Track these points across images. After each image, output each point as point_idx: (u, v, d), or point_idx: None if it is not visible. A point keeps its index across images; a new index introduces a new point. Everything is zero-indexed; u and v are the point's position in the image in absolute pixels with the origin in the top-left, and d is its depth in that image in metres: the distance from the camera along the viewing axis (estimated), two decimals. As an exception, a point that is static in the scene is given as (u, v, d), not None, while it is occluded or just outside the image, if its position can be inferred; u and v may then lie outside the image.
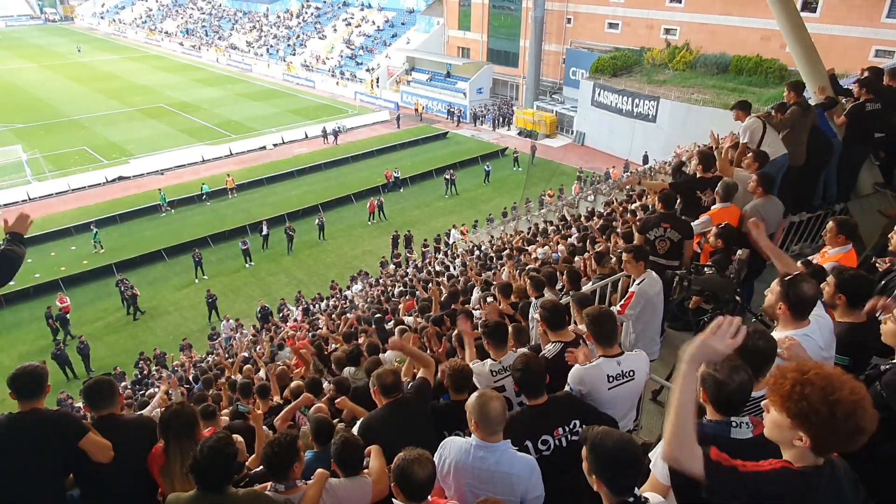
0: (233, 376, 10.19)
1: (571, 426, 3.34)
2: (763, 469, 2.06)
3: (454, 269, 17.14)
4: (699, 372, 2.45)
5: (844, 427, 1.88)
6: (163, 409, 3.82)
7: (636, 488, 2.31)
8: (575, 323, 5.07)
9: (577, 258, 9.45)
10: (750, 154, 6.57)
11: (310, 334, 13.24)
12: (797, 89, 7.17)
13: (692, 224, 6.02)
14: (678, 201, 6.28)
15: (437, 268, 18.19)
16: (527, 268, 9.33)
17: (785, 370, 2.04)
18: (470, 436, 3.16)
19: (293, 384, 6.29)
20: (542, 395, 3.40)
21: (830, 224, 4.84)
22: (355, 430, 4.01)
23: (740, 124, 7.23)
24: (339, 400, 4.66)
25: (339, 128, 39.85)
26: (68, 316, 20.08)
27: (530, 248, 13.66)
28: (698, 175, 6.81)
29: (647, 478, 2.63)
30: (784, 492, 2.01)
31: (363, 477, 3.37)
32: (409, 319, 9.91)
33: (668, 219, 5.79)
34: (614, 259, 6.76)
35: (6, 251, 3.51)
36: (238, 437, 4.31)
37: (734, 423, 2.51)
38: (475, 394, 3.11)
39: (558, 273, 7.48)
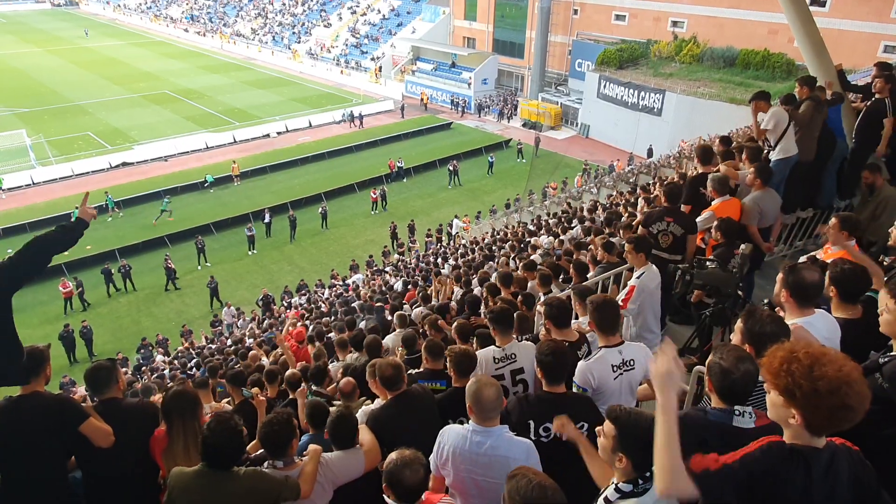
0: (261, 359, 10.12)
1: (578, 426, 3.29)
2: (749, 451, 2.10)
3: (454, 260, 17.13)
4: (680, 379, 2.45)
5: (828, 403, 1.90)
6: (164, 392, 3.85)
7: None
8: (576, 316, 5.08)
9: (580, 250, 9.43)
10: (745, 153, 6.56)
11: (310, 324, 13.27)
12: (810, 84, 7.10)
13: (696, 220, 6.01)
14: (682, 196, 6.26)
15: (439, 259, 18.19)
16: (531, 258, 9.31)
17: (776, 349, 2.07)
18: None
19: (288, 373, 6.30)
20: (562, 384, 3.39)
21: (833, 220, 4.80)
22: (362, 418, 4.04)
23: (761, 115, 7.12)
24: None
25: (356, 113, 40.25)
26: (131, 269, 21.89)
27: (533, 240, 13.64)
28: (700, 171, 6.79)
29: None
30: (772, 463, 2.04)
31: (356, 449, 3.46)
32: (409, 309, 9.93)
33: (671, 213, 5.78)
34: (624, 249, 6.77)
35: (44, 235, 3.45)
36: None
37: (737, 412, 2.53)
38: (472, 379, 3.14)
39: (567, 260, 7.48)
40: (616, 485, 2.37)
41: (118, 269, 21.83)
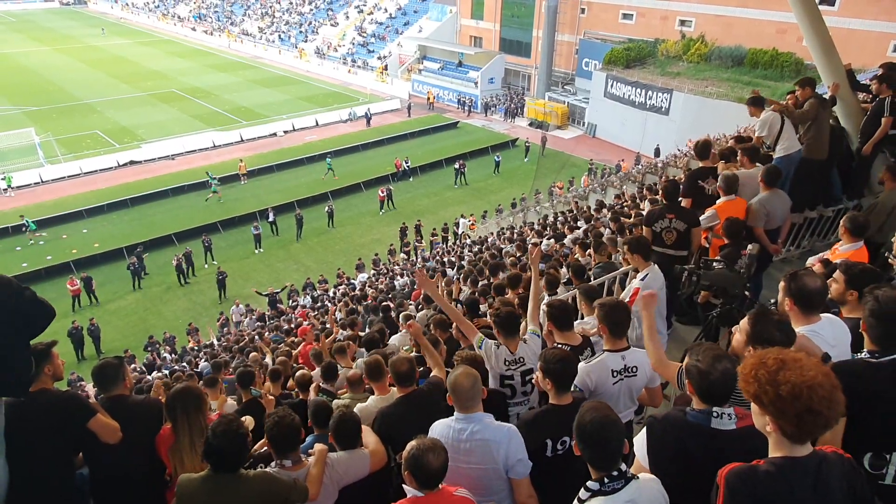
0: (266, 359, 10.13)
1: None
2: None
3: (458, 260, 17.13)
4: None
5: (793, 407, 1.90)
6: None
7: (620, 464, 2.38)
8: (582, 316, 5.06)
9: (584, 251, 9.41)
10: (741, 153, 6.55)
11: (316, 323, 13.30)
12: (812, 84, 7.10)
13: (698, 215, 5.99)
14: (681, 191, 6.27)
15: (445, 259, 18.20)
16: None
17: (750, 355, 2.09)
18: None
19: (298, 373, 6.29)
20: (569, 393, 3.37)
21: (843, 220, 4.82)
22: (362, 413, 4.05)
23: (756, 119, 7.16)
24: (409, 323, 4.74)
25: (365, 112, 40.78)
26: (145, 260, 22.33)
27: (538, 241, 13.62)
28: (700, 164, 6.81)
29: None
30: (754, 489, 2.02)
31: (361, 450, 3.48)
32: (414, 309, 9.93)
33: (672, 209, 5.78)
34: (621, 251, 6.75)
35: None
36: (248, 418, 4.37)
37: (715, 414, 2.51)
38: (454, 369, 3.21)
39: (564, 266, 7.48)
40: (586, 483, 2.41)
41: (127, 268, 21.95)
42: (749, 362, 2.04)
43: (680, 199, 6.09)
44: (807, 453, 2.02)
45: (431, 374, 4.23)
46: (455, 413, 3.17)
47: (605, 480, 2.35)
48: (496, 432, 3.08)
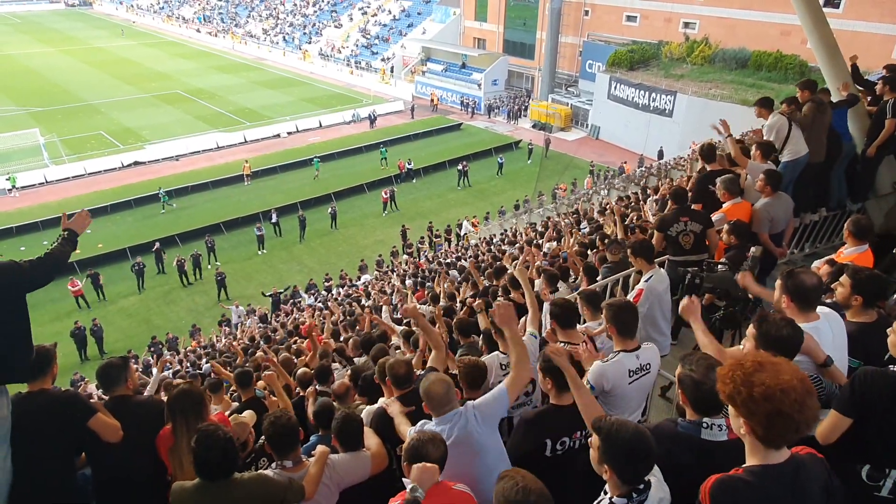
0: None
1: (586, 434, 3.27)
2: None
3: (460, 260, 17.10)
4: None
5: (763, 409, 1.91)
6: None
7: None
8: (583, 320, 5.06)
9: (588, 253, 9.40)
10: (756, 149, 6.52)
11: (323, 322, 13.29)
12: (811, 87, 7.07)
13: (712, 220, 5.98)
14: (690, 195, 6.25)
15: (448, 260, 18.18)
16: (536, 263, 9.29)
17: (731, 358, 2.10)
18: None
19: (300, 371, 6.29)
20: (569, 393, 3.33)
21: (847, 223, 4.81)
22: (367, 418, 4.04)
23: (763, 121, 7.12)
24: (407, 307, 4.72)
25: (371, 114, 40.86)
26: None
27: (541, 242, 13.61)
28: (709, 169, 6.79)
29: None
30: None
31: (362, 452, 3.47)
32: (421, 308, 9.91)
33: (685, 212, 5.76)
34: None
35: (55, 251, 3.48)
36: (249, 412, 4.36)
37: (706, 425, 2.49)
38: (426, 378, 3.24)
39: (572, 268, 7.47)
40: (610, 499, 2.33)
41: (131, 268, 21.99)
42: (728, 364, 2.05)
43: (689, 204, 6.08)
44: (783, 459, 2.01)
45: (427, 365, 4.19)
46: (433, 419, 3.16)
47: (634, 495, 2.27)
48: (473, 423, 3.11)
